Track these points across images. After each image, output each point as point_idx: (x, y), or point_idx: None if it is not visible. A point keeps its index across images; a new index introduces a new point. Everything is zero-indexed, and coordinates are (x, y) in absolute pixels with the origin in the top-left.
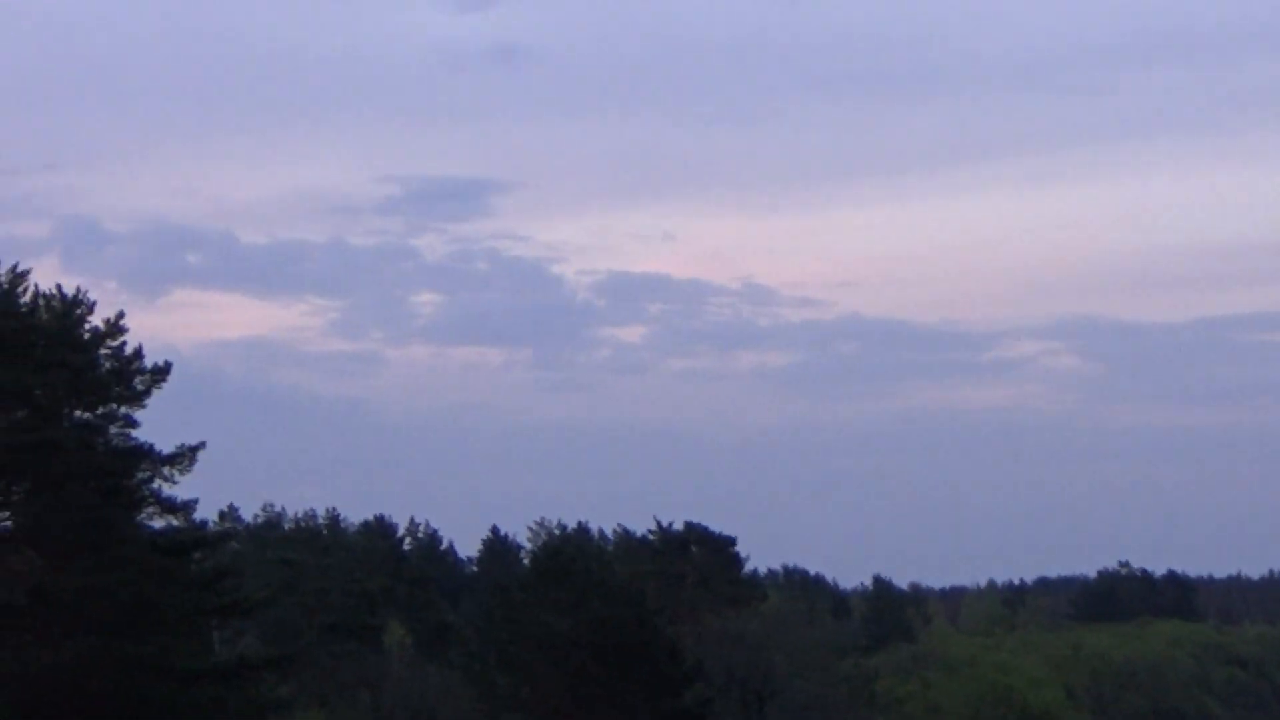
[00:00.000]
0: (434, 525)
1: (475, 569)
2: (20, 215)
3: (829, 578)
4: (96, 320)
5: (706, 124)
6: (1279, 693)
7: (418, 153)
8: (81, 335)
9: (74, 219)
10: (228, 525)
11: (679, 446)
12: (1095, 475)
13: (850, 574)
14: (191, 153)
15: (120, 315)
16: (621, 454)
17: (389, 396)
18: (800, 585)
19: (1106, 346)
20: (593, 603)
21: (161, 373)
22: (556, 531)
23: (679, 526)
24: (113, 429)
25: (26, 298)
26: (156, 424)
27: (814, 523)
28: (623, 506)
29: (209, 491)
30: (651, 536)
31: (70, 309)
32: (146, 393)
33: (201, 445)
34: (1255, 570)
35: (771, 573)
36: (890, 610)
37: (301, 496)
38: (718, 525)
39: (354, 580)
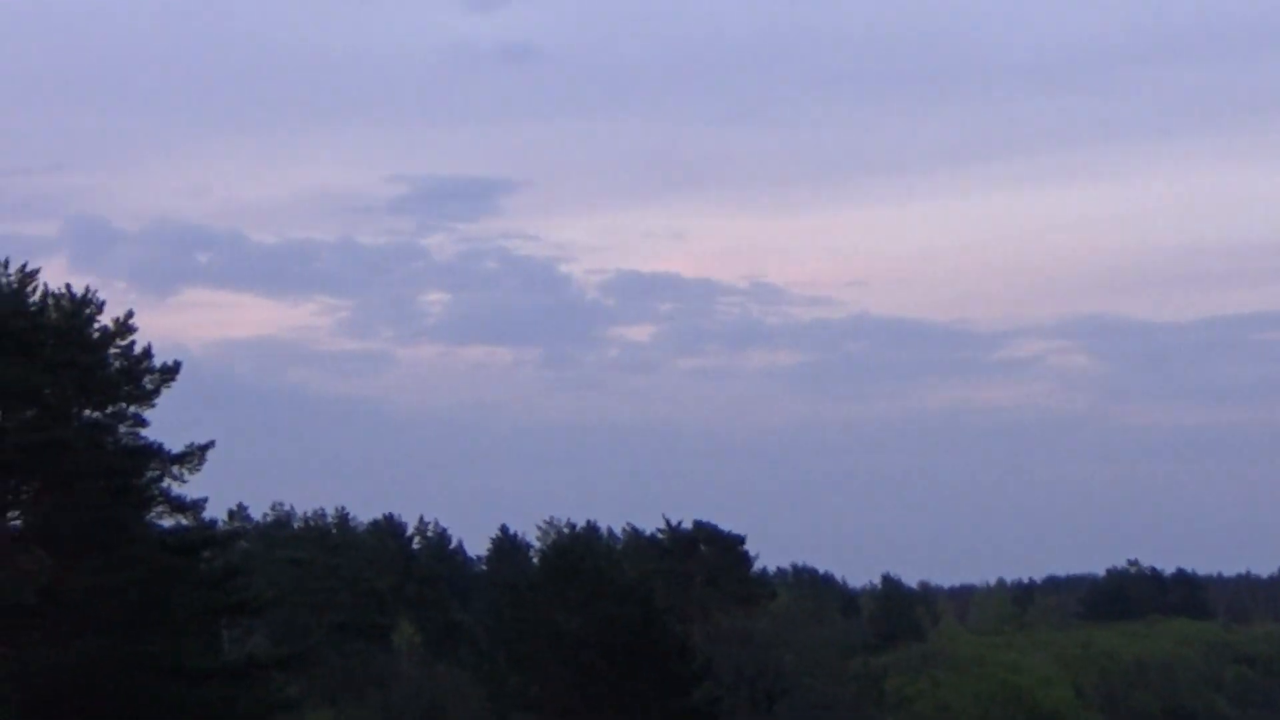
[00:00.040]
0: (443, 524)
1: (484, 568)
2: (29, 214)
3: (838, 576)
4: (106, 319)
5: (716, 123)
6: None
7: (427, 152)
8: (91, 334)
9: (83, 218)
10: (237, 524)
11: (688, 445)
12: (1104, 474)
13: (859, 573)
14: (201, 152)
15: (129, 314)
16: (631, 453)
17: (398, 396)
18: (809, 584)
19: (1116, 345)
20: (602, 602)
21: (171, 372)
22: (565, 530)
23: (688, 525)
24: (122, 428)
25: (35, 297)
26: (166, 423)
27: (823, 521)
28: (632, 505)
29: (218, 490)
30: (660, 535)
31: (79, 308)
32: (156, 392)
33: (211, 444)
34: (1265, 569)
35: (780, 571)
36: (899, 609)
37: (311, 495)
38: (727, 524)
39: (363, 579)
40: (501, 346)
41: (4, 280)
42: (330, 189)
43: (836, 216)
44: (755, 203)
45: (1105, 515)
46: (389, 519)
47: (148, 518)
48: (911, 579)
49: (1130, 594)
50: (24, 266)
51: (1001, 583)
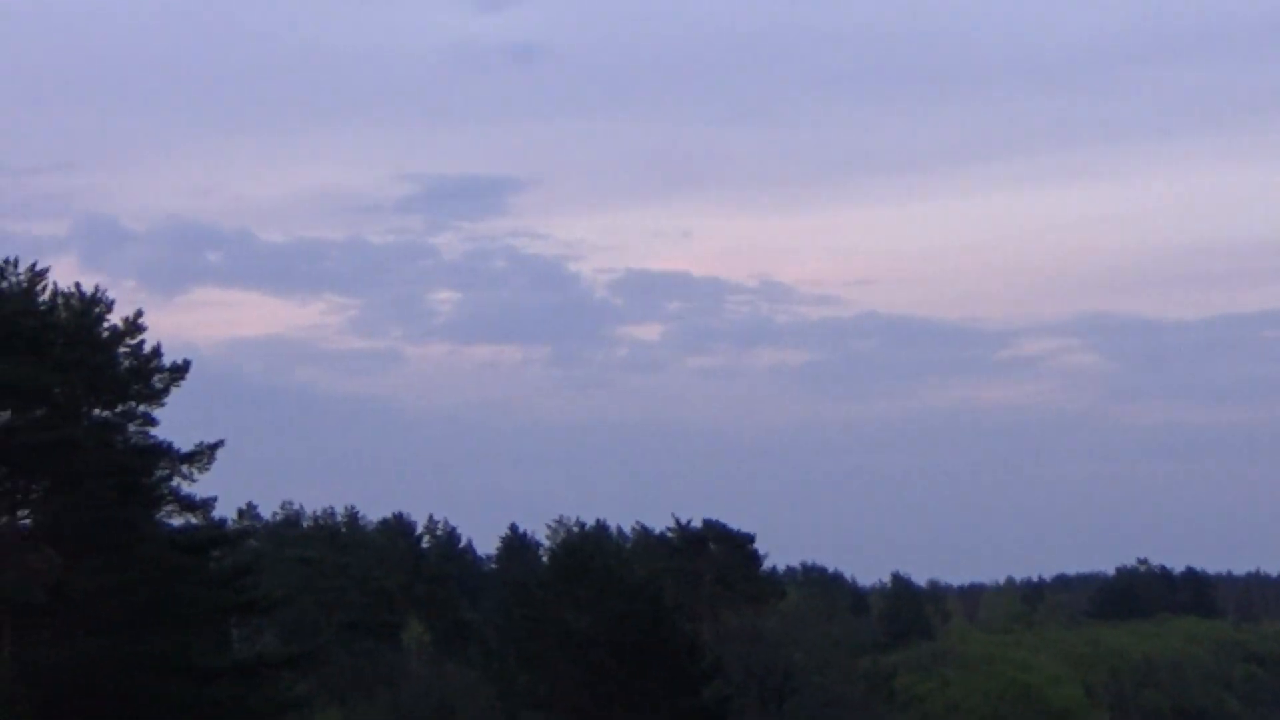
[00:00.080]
0: (452, 523)
1: (494, 567)
2: (39, 214)
3: (847, 575)
4: (115, 319)
5: (724, 122)
6: None
7: (436, 151)
8: (100, 333)
9: (93, 217)
10: (246, 523)
11: (697, 444)
12: (1113, 472)
13: (869, 571)
14: (210, 151)
15: (139, 313)
16: (640, 452)
17: (407, 394)
18: (819, 583)
19: (1124, 344)
20: (611, 600)
21: (180, 371)
22: (575, 529)
23: (697, 524)
24: (131, 427)
25: (45, 296)
26: (175, 422)
27: (832, 520)
28: (641, 504)
29: (228, 489)
30: (670, 534)
31: (89, 307)
32: (165, 391)
33: (220, 443)
34: (1274, 567)
35: (790, 570)
36: (909, 608)
37: (320, 494)
38: (736, 523)
39: (372, 578)
40: (510, 345)
41: (14, 279)
42: (338, 188)
43: (843, 215)
44: (763, 202)
45: (1114, 514)
46: (398, 518)
47: (157, 516)
48: (921, 578)
49: (1139, 592)
50: (33, 266)
51: (1011, 581)
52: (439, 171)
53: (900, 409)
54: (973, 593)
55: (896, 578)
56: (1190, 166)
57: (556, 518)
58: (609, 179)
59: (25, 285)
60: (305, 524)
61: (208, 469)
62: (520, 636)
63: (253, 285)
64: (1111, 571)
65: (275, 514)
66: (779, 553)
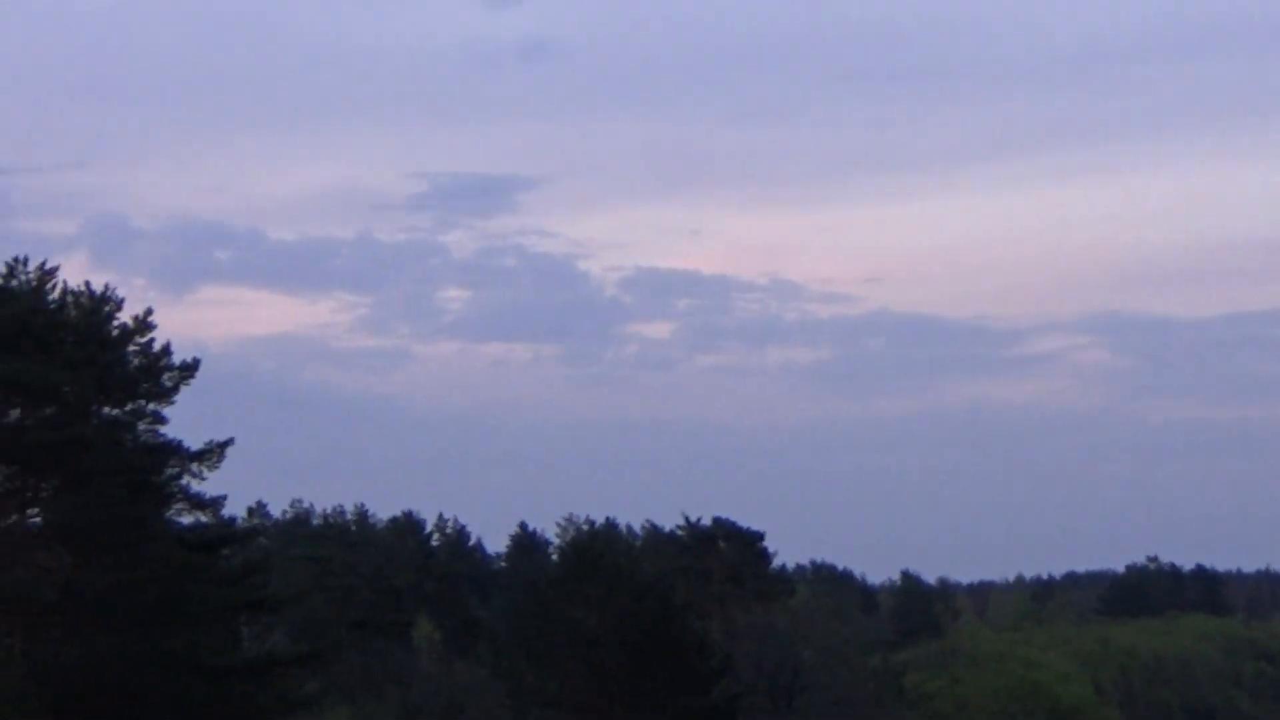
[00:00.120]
0: (462, 521)
1: (503, 565)
2: (49, 212)
3: (857, 573)
4: (125, 317)
5: (734, 119)
6: None
7: (446, 149)
8: (110, 332)
9: (102, 216)
10: (256, 521)
11: (707, 442)
12: (1124, 470)
13: (879, 569)
14: (219, 149)
15: (149, 312)
16: (649, 450)
17: (417, 393)
18: (829, 580)
19: (1136, 341)
20: (621, 598)
21: (190, 369)
22: (585, 527)
23: (707, 522)
24: (141, 425)
25: (55, 294)
26: (185, 420)
27: (842, 518)
28: (651, 502)
29: (237, 488)
30: (680, 532)
31: (99, 306)
32: (175, 389)
33: (230, 441)
34: None
35: (800, 568)
36: (919, 605)
37: (330, 493)
38: (746, 520)
39: (382, 576)
40: (520, 343)
41: (23, 278)
42: (348, 186)
43: (853, 213)
44: (773, 199)
45: (1124, 511)
46: (408, 516)
47: (167, 515)
48: (931, 575)
49: (1149, 590)
50: (43, 264)
51: (1021, 579)
52: (449, 170)
53: (910, 407)
54: (982, 590)
55: (906, 575)
56: (1203, 164)
57: (566, 516)
58: (618, 177)
59: (35, 284)
60: (315, 522)
61: (217, 467)
62: (530, 635)
63: (262, 284)
64: (1121, 569)
65: (285, 512)
66: (789, 550)
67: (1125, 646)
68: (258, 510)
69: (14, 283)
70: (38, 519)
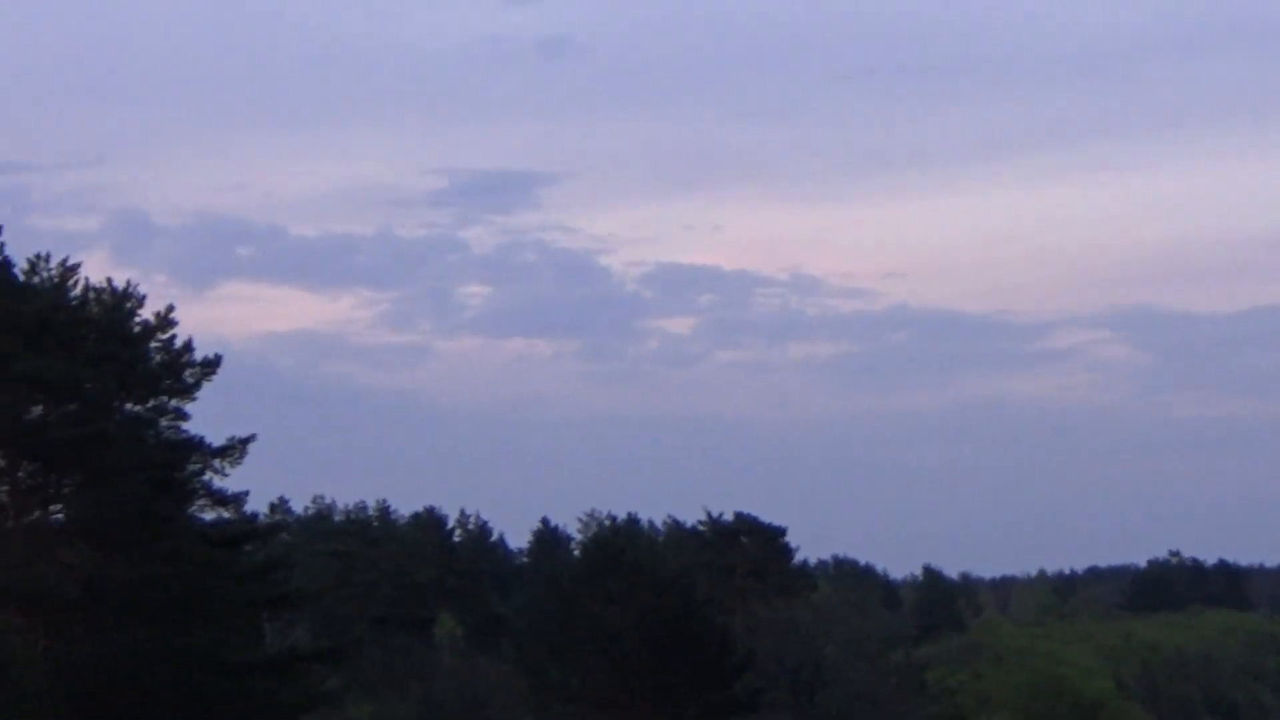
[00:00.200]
0: (484, 517)
1: (525, 560)
2: (71, 209)
3: (879, 568)
4: (147, 313)
5: (754, 115)
6: None
7: (466, 145)
8: (132, 328)
9: (124, 213)
10: (278, 517)
11: (728, 437)
12: (1145, 464)
13: (901, 564)
14: (240, 146)
15: (170, 308)
16: (671, 445)
17: (438, 388)
18: (850, 575)
19: (1157, 336)
20: (643, 594)
21: (211, 365)
22: (607, 523)
23: (729, 517)
24: (163, 422)
25: (77, 291)
26: (207, 417)
27: (864, 513)
28: (673, 498)
29: (259, 484)
30: (702, 527)
31: (120, 302)
32: (197, 385)
33: (252, 438)
34: None
35: (822, 563)
36: (941, 600)
37: (352, 489)
38: (768, 516)
39: (404, 572)
40: (541, 339)
41: (45, 275)
42: (369, 182)
43: (874, 208)
44: (793, 194)
45: (1146, 506)
46: (430, 512)
47: (189, 511)
48: (953, 570)
49: (1171, 585)
50: (65, 261)
51: (1043, 574)
52: (469, 165)
53: (931, 402)
54: (1005, 585)
55: (928, 570)
56: (1223, 158)
57: (588, 511)
58: (639, 172)
59: (57, 280)
60: (337, 518)
61: (239, 463)
62: (552, 630)
63: (283, 280)
64: (1143, 564)
65: (307, 508)
66: (810, 546)
67: (1148, 641)
68: (280, 506)
69: (36, 280)
70: (60, 515)
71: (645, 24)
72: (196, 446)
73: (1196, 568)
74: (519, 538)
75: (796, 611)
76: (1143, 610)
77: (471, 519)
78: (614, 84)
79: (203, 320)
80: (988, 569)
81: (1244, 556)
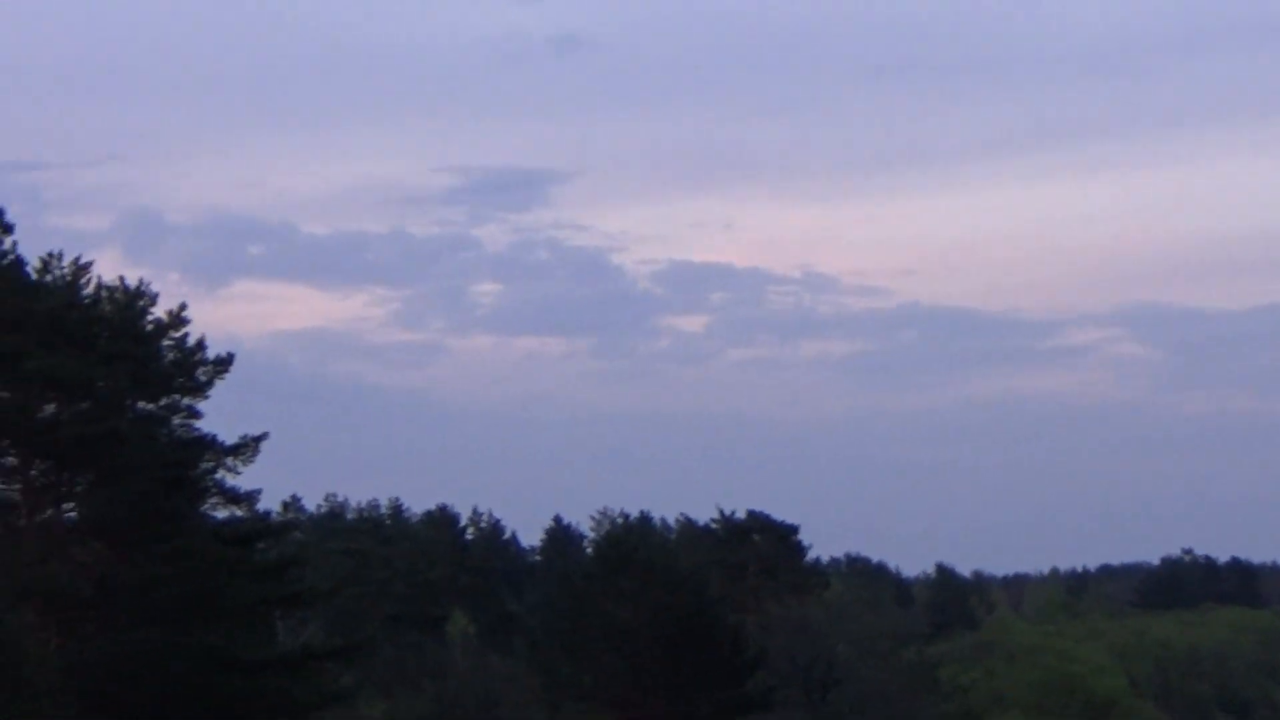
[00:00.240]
0: (496, 515)
1: (538, 558)
2: (83, 207)
3: (892, 565)
4: (159, 312)
5: (766, 112)
6: None
7: (478, 143)
8: (144, 327)
9: (136, 211)
10: (291, 516)
11: (741, 435)
12: (1158, 462)
13: (913, 562)
14: (252, 144)
15: (182, 306)
16: (683, 443)
17: (450, 386)
18: (863, 573)
19: (1169, 334)
20: (655, 591)
21: (224, 364)
22: (619, 521)
23: (741, 515)
24: (176, 420)
25: (89, 289)
26: (219, 415)
27: (877, 511)
28: (685, 495)
29: (272, 482)
30: (714, 525)
31: (133, 300)
32: (209, 384)
33: (264, 436)
34: None
35: (834, 561)
36: (953, 598)
37: (364, 487)
38: (780, 514)
39: (417, 570)
40: (553, 337)
41: (58, 273)
42: (381, 180)
43: (886, 206)
44: (806, 192)
45: (1159, 504)
46: (443, 510)
47: (202, 509)
48: (965, 568)
49: (1184, 582)
50: (77, 259)
51: (1055, 571)
52: (481, 163)
53: (944, 399)
54: (1017, 583)
55: (941, 568)
56: (1236, 155)
57: (600, 509)
58: (651, 170)
59: (69, 279)
60: (350, 516)
61: (252, 462)
62: (564, 628)
63: (296, 278)
64: (1156, 561)
65: (320, 506)
66: (823, 543)
67: (1160, 639)
68: (292, 504)
69: (48, 278)
70: (73, 514)
71: (657, 22)
72: (209, 445)
73: (1209, 565)
74: (531, 536)
75: (809, 609)
76: (1155, 608)
77: (484, 517)
78: (626, 82)
79: (215, 318)
80: (1000, 567)
81: (1257, 554)
